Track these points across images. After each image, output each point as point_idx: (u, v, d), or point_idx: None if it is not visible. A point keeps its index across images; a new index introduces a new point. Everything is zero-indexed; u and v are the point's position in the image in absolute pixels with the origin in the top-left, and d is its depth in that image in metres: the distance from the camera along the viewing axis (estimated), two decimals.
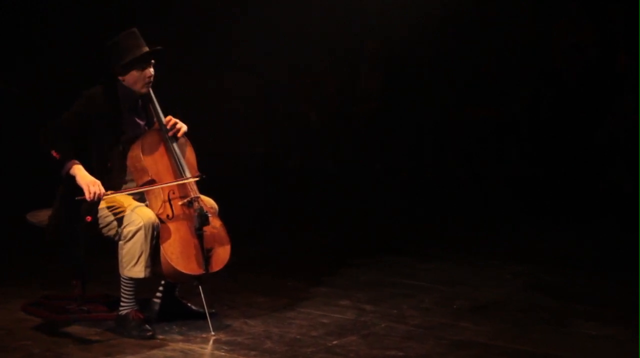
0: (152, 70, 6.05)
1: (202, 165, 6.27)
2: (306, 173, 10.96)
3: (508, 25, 10.92)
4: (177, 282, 6.18)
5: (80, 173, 5.83)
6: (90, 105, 5.96)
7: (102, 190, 5.83)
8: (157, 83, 6.20)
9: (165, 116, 6.17)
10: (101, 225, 5.92)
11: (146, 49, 6.03)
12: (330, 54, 11.13)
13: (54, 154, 5.84)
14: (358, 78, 11.42)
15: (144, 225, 5.78)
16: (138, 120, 6.13)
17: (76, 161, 5.85)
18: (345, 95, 11.35)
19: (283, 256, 8.02)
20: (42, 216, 6.19)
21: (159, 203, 5.98)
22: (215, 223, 6.07)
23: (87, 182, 5.81)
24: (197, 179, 6.13)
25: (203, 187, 6.22)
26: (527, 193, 10.39)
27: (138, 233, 5.79)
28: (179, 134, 6.15)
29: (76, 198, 5.82)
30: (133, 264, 5.82)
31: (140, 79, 6.03)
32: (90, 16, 10.02)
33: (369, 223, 9.31)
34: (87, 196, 5.79)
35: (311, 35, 10.80)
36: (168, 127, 6.12)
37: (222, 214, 6.23)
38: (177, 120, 6.17)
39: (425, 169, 11.07)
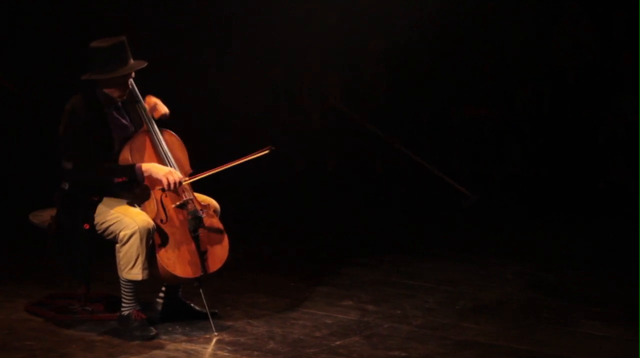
0: (131, 81, 6.02)
1: (204, 165, 6.27)
2: (308, 172, 10.95)
3: (510, 25, 10.92)
4: (177, 284, 6.19)
5: (152, 169, 5.87)
6: (77, 118, 5.91)
7: (180, 176, 5.88)
8: (156, 83, 6.21)
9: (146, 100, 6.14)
10: (99, 231, 5.92)
11: (130, 62, 5.98)
12: (332, 54, 11.10)
13: (118, 181, 5.85)
14: (361, 78, 11.40)
15: (139, 229, 5.79)
16: (124, 121, 6.09)
17: (136, 163, 5.87)
18: (348, 95, 11.33)
19: (285, 256, 8.02)
20: (44, 216, 6.20)
21: (153, 208, 5.96)
22: (212, 222, 6.06)
23: (164, 173, 5.85)
24: (267, 151, 6.12)
25: (206, 187, 6.23)
26: (529, 192, 10.40)
27: (133, 237, 5.79)
28: (157, 115, 6.10)
29: (159, 188, 5.85)
30: (131, 267, 5.83)
31: (119, 89, 6.01)
32: (92, 14, 10.01)
33: (371, 223, 9.31)
34: (166, 186, 5.84)
35: (314, 35, 10.79)
36: (148, 107, 6.08)
37: (223, 214, 6.23)
38: (158, 101, 6.15)
39: (427, 168, 11.05)
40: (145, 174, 5.87)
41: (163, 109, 6.16)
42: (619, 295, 6.93)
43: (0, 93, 9.92)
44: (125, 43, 6.01)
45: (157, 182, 5.94)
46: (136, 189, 5.98)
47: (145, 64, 6.04)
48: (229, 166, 6.07)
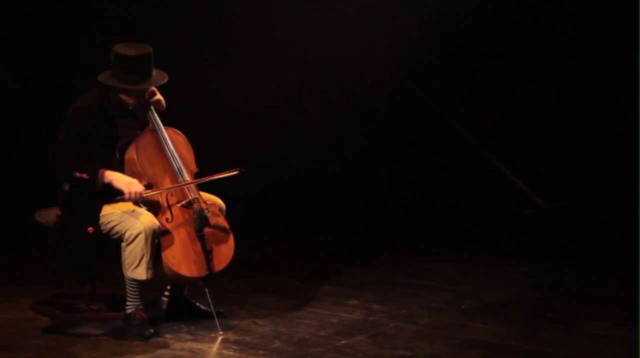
0: (145, 92, 6.02)
1: (208, 165, 6.26)
2: (312, 172, 10.95)
3: (513, 25, 10.91)
4: (182, 283, 6.19)
5: (115, 177, 5.86)
6: (84, 117, 5.91)
7: (141, 188, 5.86)
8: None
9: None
10: (104, 231, 5.93)
11: (152, 75, 5.97)
12: (334, 54, 11.08)
13: (78, 175, 5.83)
14: (364, 77, 11.38)
15: (144, 229, 5.79)
16: (132, 124, 6.10)
17: (103, 168, 5.87)
18: (351, 95, 11.32)
19: (291, 256, 8.03)
20: (50, 216, 6.18)
21: (158, 207, 5.97)
22: (218, 221, 6.07)
23: (126, 183, 5.84)
24: (236, 172, 6.09)
25: (210, 187, 6.23)
26: (537, 192, 10.41)
27: (139, 237, 5.80)
28: (155, 99, 6.10)
29: (117, 198, 5.84)
30: (135, 266, 5.84)
31: (134, 98, 6.02)
32: (92, 14, 10.00)
33: (376, 223, 9.33)
34: (127, 196, 5.82)
35: (314, 35, 10.78)
36: (149, 97, 6.07)
37: (228, 214, 6.23)
38: (159, 95, 6.14)
39: (431, 168, 11.06)
40: (106, 180, 5.85)
41: (160, 97, 6.16)
42: (620, 295, 6.95)
43: (5, 92, 9.91)
44: (151, 55, 6.00)
45: (161, 181, 5.94)
46: None
47: (166, 80, 6.05)
48: (194, 183, 6.04)
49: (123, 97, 6.02)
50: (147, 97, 6.09)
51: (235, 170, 6.09)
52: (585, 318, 6.40)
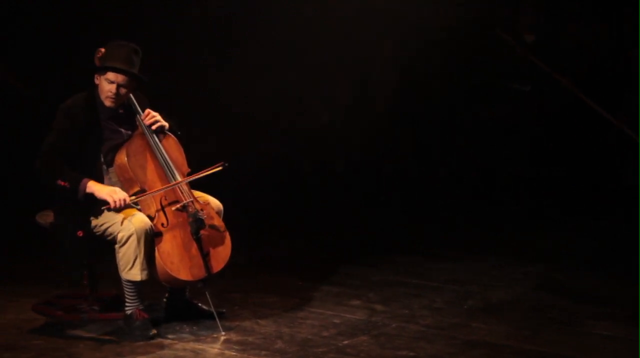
0: (114, 88, 5.91)
1: (209, 166, 6.25)
2: (316, 173, 10.96)
3: (516, 25, 10.92)
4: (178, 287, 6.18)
5: (96, 188, 5.83)
6: (69, 118, 5.90)
7: (125, 195, 5.84)
8: (157, 83, 6.19)
9: (144, 112, 6.09)
10: (98, 233, 5.92)
11: (120, 65, 5.90)
12: (343, 54, 11.07)
13: (61, 183, 5.81)
14: (370, 78, 11.38)
15: (136, 231, 5.78)
16: (119, 128, 6.05)
17: (86, 178, 5.83)
18: (357, 96, 11.32)
19: (294, 256, 8.04)
20: (51, 217, 6.18)
21: (153, 212, 5.95)
22: (213, 223, 6.05)
23: (108, 192, 5.81)
24: (220, 168, 6.05)
25: (208, 187, 6.23)
26: (537, 192, 10.43)
27: (131, 238, 5.79)
28: (155, 126, 6.06)
29: (102, 208, 5.81)
30: (129, 267, 5.83)
31: (104, 90, 5.95)
32: (92, 14, 9.99)
33: (376, 223, 9.33)
34: (112, 205, 5.80)
35: (324, 35, 10.78)
36: (147, 121, 6.04)
37: (231, 215, 6.23)
38: (156, 114, 6.09)
39: (434, 169, 11.07)
40: (88, 191, 5.81)
41: (161, 121, 6.14)
42: (620, 295, 6.95)
43: (5, 92, 9.90)
44: (130, 47, 5.97)
45: (153, 186, 5.94)
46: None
47: (137, 75, 5.95)
48: (179, 183, 6.01)
49: (100, 94, 5.97)
50: (146, 121, 6.07)
51: (219, 166, 6.05)
52: (585, 318, 6.40)
